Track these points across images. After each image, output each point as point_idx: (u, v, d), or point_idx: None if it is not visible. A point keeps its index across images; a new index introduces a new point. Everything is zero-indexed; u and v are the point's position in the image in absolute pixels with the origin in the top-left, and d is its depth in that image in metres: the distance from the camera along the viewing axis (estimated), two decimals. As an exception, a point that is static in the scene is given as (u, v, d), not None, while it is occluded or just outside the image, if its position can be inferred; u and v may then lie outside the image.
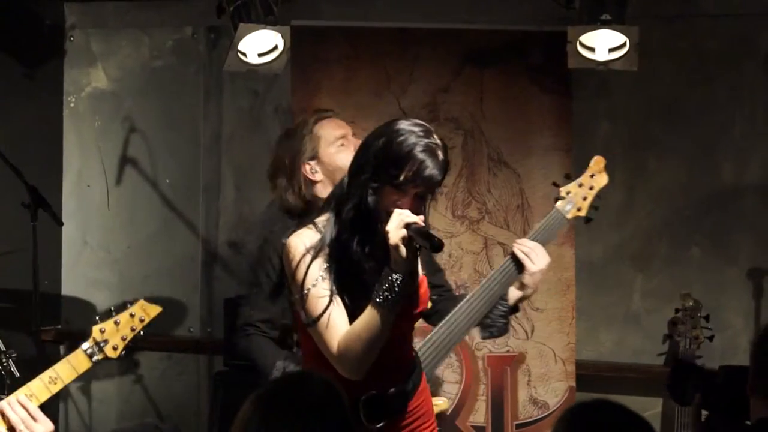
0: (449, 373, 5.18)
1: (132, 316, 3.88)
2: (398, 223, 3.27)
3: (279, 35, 4.92)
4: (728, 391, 3.24)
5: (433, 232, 3.34)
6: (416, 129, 3.38)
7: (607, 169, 5.53)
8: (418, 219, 3.30)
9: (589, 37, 4.87)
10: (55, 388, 3.71)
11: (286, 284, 3.55)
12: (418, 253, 3.37)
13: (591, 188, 4.25)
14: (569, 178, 4.30)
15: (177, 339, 6.03)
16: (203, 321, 6.04)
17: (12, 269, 5.73)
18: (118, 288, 6.15)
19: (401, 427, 3.61)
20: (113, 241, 6.19)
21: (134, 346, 6.11)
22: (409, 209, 3.33)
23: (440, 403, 4.56)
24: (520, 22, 5.36)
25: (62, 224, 5.64)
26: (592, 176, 4.26)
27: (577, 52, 4.87)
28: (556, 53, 5.02)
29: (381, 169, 3.34)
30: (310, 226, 3.49)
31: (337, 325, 3.39)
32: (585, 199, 4.23)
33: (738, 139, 5.44)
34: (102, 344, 3.79)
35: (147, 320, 3.91)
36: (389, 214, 3.31)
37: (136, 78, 6.16)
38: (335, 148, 4.31)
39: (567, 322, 5.21)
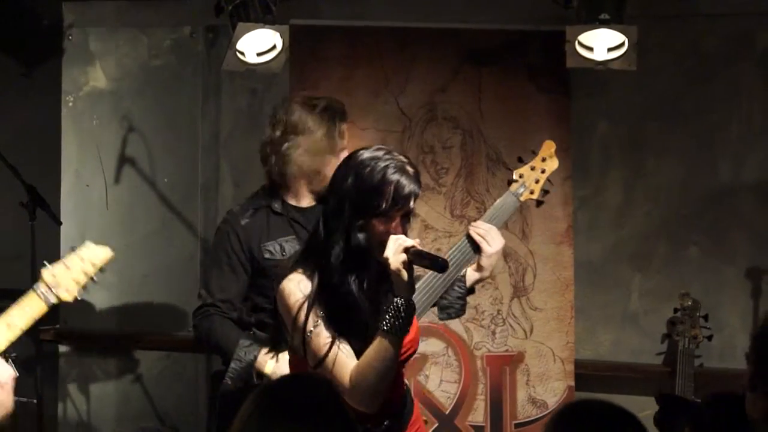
0: (448, 372, 5.18)
1: (82, 259, 3.81)
2: (396, 249, 3.32)
3: (277, 34, 4.92)
4: (717, 419, 3.25)
5: (434, 252, 3.43)
6: (378, 153, 3.42)
7: (606, 168, 5.57)
8: (415, 242, 3.35)
9: (587, 37, 4.87)
10: (12, 335, 3.63)
11: (286, 332, 3.54)
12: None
13: (543, 172, 4.37)
14: (522, 161, 4.38)
15: (176, 339, 6.03)
16: (202, 320, 6.03)
17: (10, 269, 5.73)
18: (117, 287, 6.14)
19: None
20: (111, 240, 6.10)
21: (133, 344, 6.15)
22: (400, 232, 3.38)
23: None
24: (518, 22, 5.36)
25: (61, 224, 5.63)
26: (543, 160, 4.38)
27: (576, 51, 4.88)
28: (554, 53, 5.03)
29: (360, 205, 3.37)
30: (300, 270, 3.48)
31: (347, 360, 3.40)
32: (537, 182, 4.35)
33: (736, 138, 5.44)
34: (54, 288, 3.73)
35: (99, 263, 3.84)
36: (383, 243, 3.34)
37: (135, 77, 6.15)
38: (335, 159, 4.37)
39: (566, 322, 5.21)
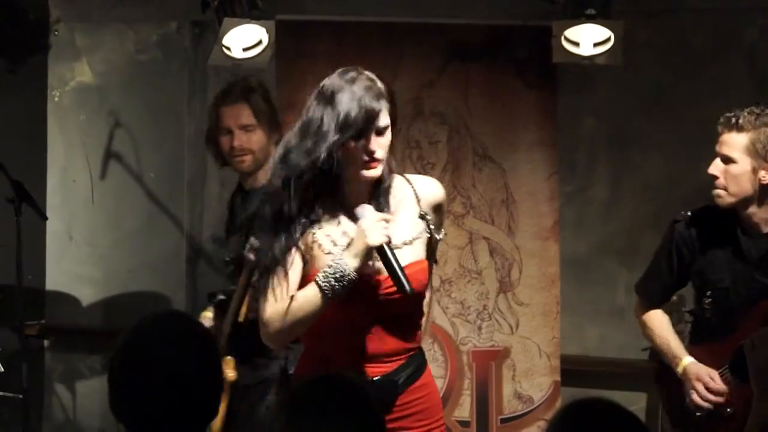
0: (434, 367, 5.17)
1: None
2: (379, 230, 3.36)
3: (263, 30, 4.92)
4: None
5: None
6: (354, 88, 3.50)
7: (592, 164, 5.56)
8: (392, 235, 3.38)
9: (573, 32, 4.87)
10: None
11: None
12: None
13: None
14: None
15: (162, 334, 6.01)
16: (188, 316, 6.03)
17: (-4, 264, 5.73)
18: (103, 283, 6.14)
19: (387, 420, 3.58)
20: (98, 235, 6.18)
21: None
22: (375, 145, 3.44)
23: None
24: (505, 17, 5.36)
25: (46, 219, 5.63)
26: None
27: (562, 46, 4.88)
28: (540, 48, 5.03)
29: (339, 135, 3.43)
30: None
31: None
32: None
33: (723, 133, 5.44)
34: None
35: None
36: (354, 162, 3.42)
37: (121, 72, 6.15)
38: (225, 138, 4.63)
39: (552, 317, 5.21)
